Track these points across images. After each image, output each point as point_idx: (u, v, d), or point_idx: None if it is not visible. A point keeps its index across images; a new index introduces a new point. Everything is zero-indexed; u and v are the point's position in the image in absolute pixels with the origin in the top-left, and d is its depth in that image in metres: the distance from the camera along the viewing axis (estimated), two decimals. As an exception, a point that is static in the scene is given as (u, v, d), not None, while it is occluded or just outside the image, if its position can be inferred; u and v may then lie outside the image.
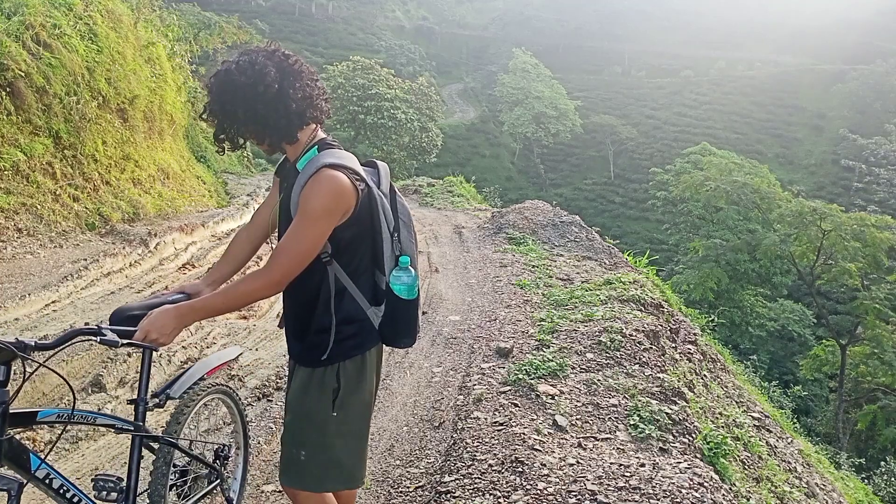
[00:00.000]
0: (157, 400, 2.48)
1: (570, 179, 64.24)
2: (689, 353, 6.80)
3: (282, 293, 2.31)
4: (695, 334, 7.50)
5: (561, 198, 59.97)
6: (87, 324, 4.52)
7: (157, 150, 14.10)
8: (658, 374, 4.67)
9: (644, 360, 4.86)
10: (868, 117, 52.36)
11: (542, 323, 5.72)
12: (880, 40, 68.01)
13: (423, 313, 6.57)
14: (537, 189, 62.26)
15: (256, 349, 5.31)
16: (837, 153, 49.37)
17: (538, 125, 61.59)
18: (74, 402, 2.18)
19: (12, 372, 1.91)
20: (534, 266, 8.36)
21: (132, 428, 2.38)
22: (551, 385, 4.33)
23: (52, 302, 6.12)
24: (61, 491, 2.11)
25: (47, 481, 2.06)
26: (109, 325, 2.26)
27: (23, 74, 9.15)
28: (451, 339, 5.70)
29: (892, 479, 17.18)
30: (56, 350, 2.05)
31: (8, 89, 8.99)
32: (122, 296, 6.55)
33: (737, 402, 6.79)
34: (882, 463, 18.28)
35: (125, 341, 2.16)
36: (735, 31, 78.74)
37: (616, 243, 11.17)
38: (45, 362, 1.99)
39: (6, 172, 8.76)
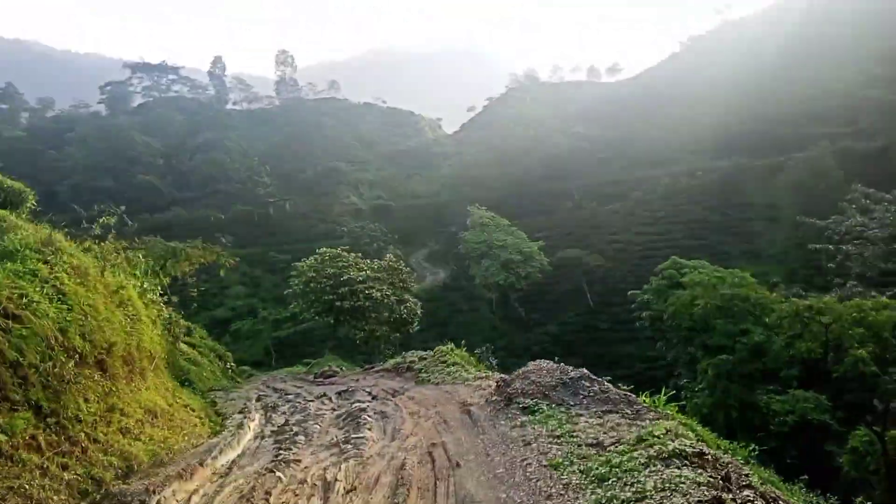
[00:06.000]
0: None
1: (552, 316, 64.45)
2: (749, 500, 6.27)
3: None
4: (746, 475, 6.99)
5: (548, 335, 59.85)
6: None
7: (141, 392, 13.63)
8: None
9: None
10: (816, 199, 54.53)
11: (594, 513, 5.23)
12: (807, 128, 72.45)
13: (460, 526, 6.02)
14: (523, 331, 62.15)
15: None
16: (800, 238, 50.71)
17: (508, 272, 62.65)
18: None
19: None
20: (558, 436, 7.90)
21: None
22: None
23: None
24: None
25: None
26: None
27: (-6, 354, 8.86)
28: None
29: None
30: None
31: (-20, 372, 8.65)
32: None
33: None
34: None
35: None
36: (666, 148, 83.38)
37: (613, 376, 10.77)
38: None
39: (-12, 459, 8.22)
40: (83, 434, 10.37)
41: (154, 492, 8.47)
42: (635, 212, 75.43)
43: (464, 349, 22.20)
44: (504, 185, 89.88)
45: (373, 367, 23.44)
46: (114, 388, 12.11)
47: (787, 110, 77.23)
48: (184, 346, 23.89)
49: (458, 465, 7.90)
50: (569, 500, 5.72)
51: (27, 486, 8.34)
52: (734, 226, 66.53)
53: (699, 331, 30.72)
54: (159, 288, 17.41)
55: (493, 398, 10.82)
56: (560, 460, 6.92)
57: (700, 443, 7.44)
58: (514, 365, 18.61)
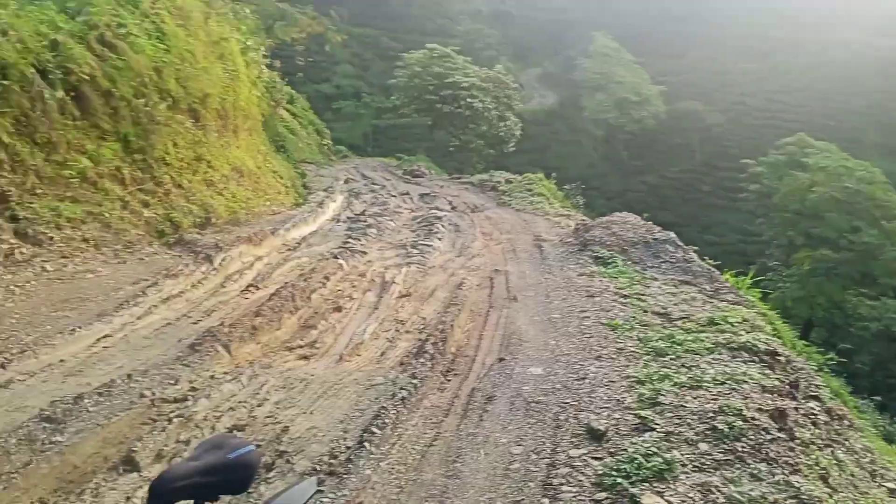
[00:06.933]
0: None
1: (655, 167, 61.78)
2: (813, 413, 5.83)
3: None
4: (816, 386, 6.50)
5: (645, 185, 57.96)
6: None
7: (232, 148, 13.78)
8: (789, 477, 3.78)
9: (771, 454, 3.98)
10: None
11: (642, 388, 4.89)
12: None
13: (501, 360, 5.85)
14: (621, 176, 60.25)
15: (311, 411, 4.70)
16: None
17: (621, 111, 59.60)
18: None
19: None
20: (625, 296, 7.49)
21: None
22: (658, 494, 3.53)
23: (105, 336, 5.71)
24: None
25: None
26: (150, 498, 1.83)
27: (87, 78, 8.83)
28: (532, 403, 4.94)
29: None
30: None
31: (73, 93, 8.69)
32: (178, 329, 6.09)
33: (870, 474, 5.78)
34: None
35: None
36: (827, 13, 73.34)
37: (702, 241, 9.99)
38: None
39: (73, 180, 8.49)
40: (168, 177, 10.59)
41: (223, 249, 8.68)
42: (771, 76, 68.61)
43: (553, 181, 21.54)
44: (637, 16, 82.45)
45: (459, 178, 23.25)
46: (204, 140, 12.20)
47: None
48: (283, 113, 24.05)
49: (515, 298, 7.68)
50: (618, 367, 5.41)
51: (107, 215, 8.66)
52: (876, 115, 59.97)
53: (807, 217, 28.82)
54: (263, 49, 17.04)
55: (569, 240, 10.39)
56: (620, 322, 6.55)
57: (775, 339, 6.91)
58: (601, 208, 17.96)
